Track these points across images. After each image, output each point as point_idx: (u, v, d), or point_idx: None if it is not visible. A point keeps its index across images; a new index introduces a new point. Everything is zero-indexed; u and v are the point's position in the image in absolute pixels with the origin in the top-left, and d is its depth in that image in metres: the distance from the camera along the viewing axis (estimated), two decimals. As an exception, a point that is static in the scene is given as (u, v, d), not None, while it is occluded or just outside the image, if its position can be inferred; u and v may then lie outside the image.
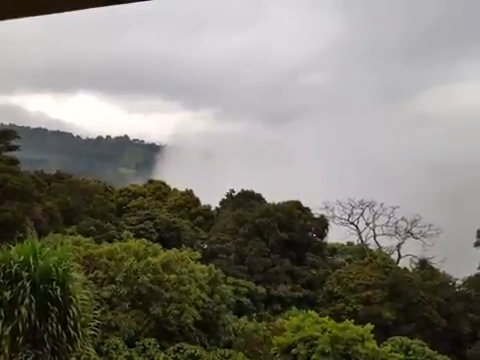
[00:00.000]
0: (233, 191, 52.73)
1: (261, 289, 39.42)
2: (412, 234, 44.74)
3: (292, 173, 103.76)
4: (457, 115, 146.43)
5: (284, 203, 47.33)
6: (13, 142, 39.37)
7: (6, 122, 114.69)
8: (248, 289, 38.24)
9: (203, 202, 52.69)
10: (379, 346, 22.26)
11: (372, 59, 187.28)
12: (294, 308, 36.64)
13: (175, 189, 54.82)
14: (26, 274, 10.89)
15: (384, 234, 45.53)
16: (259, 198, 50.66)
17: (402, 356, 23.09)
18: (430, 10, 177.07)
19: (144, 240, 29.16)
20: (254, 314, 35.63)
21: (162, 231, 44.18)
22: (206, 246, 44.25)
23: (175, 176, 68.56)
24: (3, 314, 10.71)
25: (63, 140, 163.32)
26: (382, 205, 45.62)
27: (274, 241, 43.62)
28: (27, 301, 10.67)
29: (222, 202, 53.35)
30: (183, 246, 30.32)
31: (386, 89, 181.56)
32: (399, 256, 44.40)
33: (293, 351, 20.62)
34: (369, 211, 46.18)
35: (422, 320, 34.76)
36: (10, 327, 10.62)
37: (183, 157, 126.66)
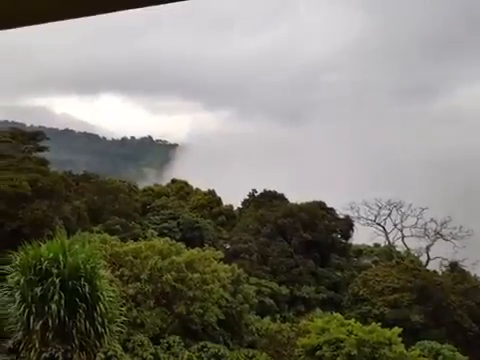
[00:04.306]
0: (255, 191, 52.56)
1: (284, 290, 39.01)
2: (442, 236, 43.08)
3: (311, 173, 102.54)
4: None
5: (307, 203, 46.73)
6: (42, 143, 40.71)
7: (36, 124, 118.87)
8: (271, 289, 37.92)
9: (223, 201, 52.79)
10: (407, 350, 21.56)
11: (393, 58, 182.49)
12: (318, 310, 36.09)
13: (197, 189, 55.16)
14: (56, 271, 11.14)
15: (412, 235, 44.08)
16: (282, 198, 50.24)
17: (431, 361, 22.28)
18: (452, 8, 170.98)
19: (168, 239, 29.42)
20: (278, 315, 35.29)
21: (185, 230, 44.54)
22: (228, 246, 44.24)
23: (196, 176, 69.07)
24: (34, 309, 10.98)
25: (90, 141, 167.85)
26: (410, 206, 44.21)
27: (297, 242, 43.11)
28: (57, 297, 10.91)
29: (244, 202, 53.28)
30: (206, 246, 30.38)
31: (408, 88, 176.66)
32: (428, 258, 42.93)
33: (318, 353, 20.28)
34: (397, 212, 44.86)
35: (452, 324, 33.47)
36: (40, 322, 10.89)
37: (203, 157, 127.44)
